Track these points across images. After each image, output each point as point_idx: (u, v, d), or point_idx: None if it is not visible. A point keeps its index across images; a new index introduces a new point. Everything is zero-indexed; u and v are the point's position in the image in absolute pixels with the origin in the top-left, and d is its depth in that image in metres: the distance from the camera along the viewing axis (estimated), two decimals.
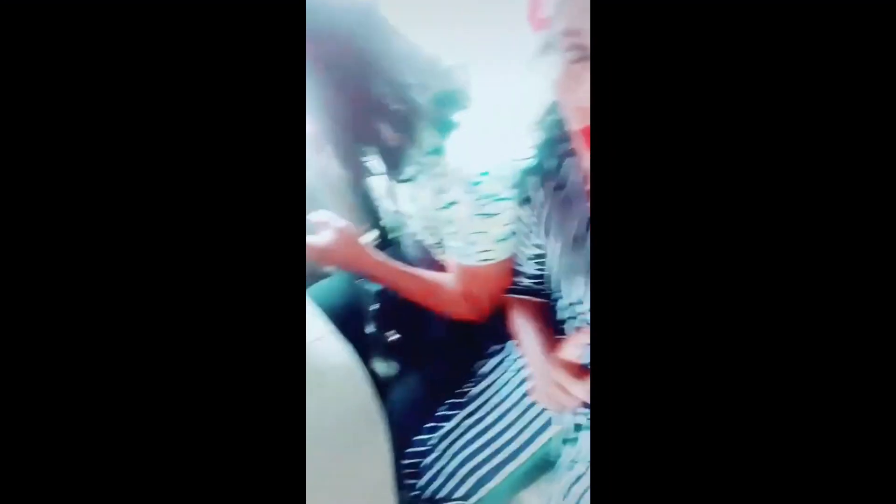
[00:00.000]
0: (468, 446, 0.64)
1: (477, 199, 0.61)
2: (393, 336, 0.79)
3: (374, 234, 0.91)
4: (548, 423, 0.62)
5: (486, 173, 0.61)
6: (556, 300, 0.68)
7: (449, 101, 0.63)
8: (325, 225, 0.70)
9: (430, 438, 0.67)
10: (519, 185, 0.63)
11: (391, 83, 0.58)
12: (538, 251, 0.68)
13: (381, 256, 0.72)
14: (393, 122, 0.60)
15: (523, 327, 0.66)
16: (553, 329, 0.67)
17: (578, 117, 0.47)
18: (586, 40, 0.41)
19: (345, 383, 0.41)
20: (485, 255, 0.65)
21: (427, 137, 0.62)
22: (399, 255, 0.86)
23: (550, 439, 0.62)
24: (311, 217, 0.70)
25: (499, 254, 0.65)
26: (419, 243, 0.76)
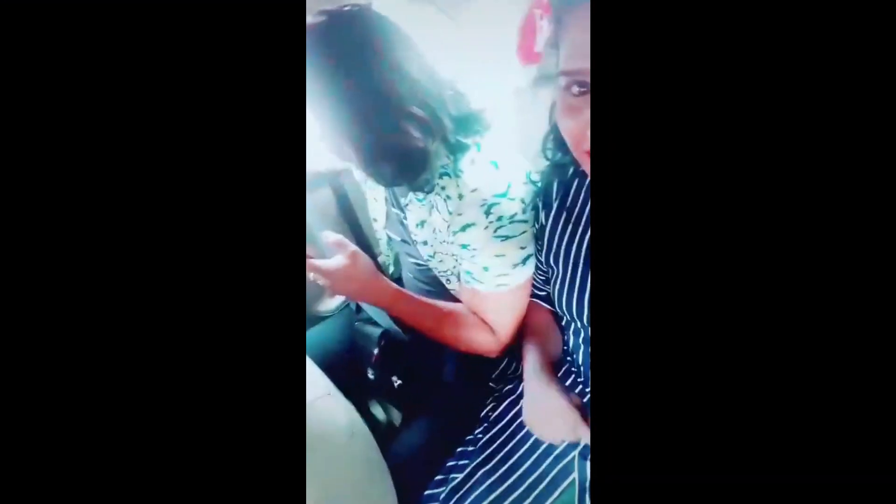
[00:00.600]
0: (482, 500, 0.59)
1: (494, 221, 0.59)
2: (396, 382, 0.74)
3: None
4: (569, 470, 0.58)
5: (503, 195, 0.59)
6: (567, 325, 0.65)
7: (465, 122, 0.62)
8: (338, 247, 0.66)
9: (440, 493, 0.62)
10: (534, 207, 0.62)
11: (412, 85, 0.56)
12: (544, 276, 0.66)
13: (393, 285, 0.69)
14: (414, 126, 0.57)
15: (531, 345, 0.64)
16: (560, 349, 0.64)
17: (577, 145, 0.46)
18: (587, 77, 0.41)
19: (349, 445, 0.37)
20: (502, 280, 0.63)
21: (442, 157, 0.60)
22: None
23: (572, 484, 0.57)
24: (323, 237, 0.67)
25: (516, 279, 0.63)
26: (423, 272, 0.73)
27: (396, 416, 0.81)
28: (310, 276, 0.62)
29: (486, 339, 0.68)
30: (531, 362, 0.64)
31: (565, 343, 0.66)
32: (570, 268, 0.60)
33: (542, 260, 0.65)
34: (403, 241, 0.73)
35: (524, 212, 0.61)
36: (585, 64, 0.40)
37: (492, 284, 0.63)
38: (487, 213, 0.59)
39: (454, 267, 0.67)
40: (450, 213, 0.60)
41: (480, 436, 0.65)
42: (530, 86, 1.07)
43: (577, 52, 0.41)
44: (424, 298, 0.69)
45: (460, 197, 0.59)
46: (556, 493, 0.57)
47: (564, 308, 0.61)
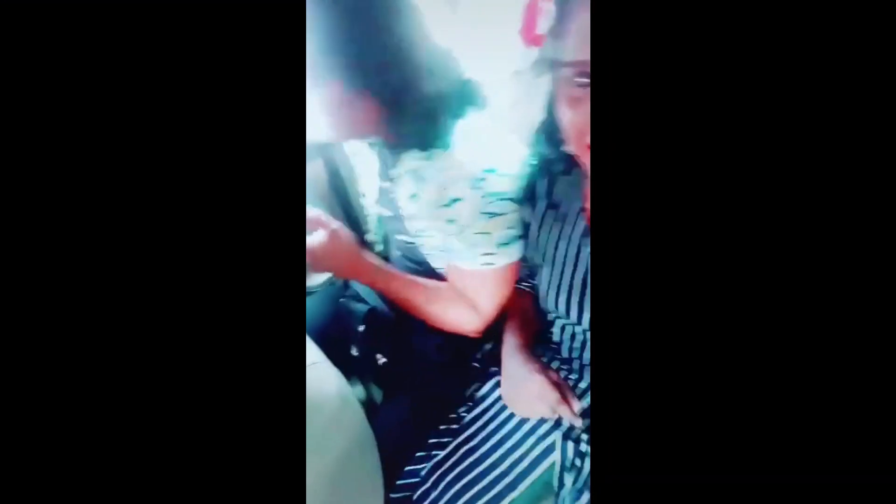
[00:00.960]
0: (463, 476, 0.60)
1: (482, 197, 0.59)
2: (381, 360, 0.74)
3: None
4: (550, 450, 0.59)
5: (492, 170, 0.59)
6: (552, 319, 0.65)
7: (462, 92, 0.61)
8: (317, 223, 0.65)
9: (421, 468, 0.63)
10: (524, 189, 0.62)
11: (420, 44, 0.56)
12: (530, 272, 0.67)
13: (378, 261, 0.68)
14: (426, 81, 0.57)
15: (510, 326, 0.65)
16: (539, 330, 0.65)
17: (578, 137, 0.46)
18: (587, 68, 0.40)
19: (340, 412, 0.37)
20: (487, 259, 0.63)
21: (435, 127, 0.60)
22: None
23: (552, 466, 0.58)
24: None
25: (501, 259, 0.63)
26: (411, 249, 0.73)
27: (378, 395, 0.81)
28: None
29: (469, 317, 0.68)
30: (510, 343, 0.65)
31: (549, 332, 0.67)
32: (558, 266, 0.60)
33: (529, 257, 0.65)
34: (394, 217, 0.73)
35: (513, 191, 0.61)
36: (587, 55, 0.40)
37: (476, 263, 0.63)
38: (475, 187, 0.58)
39: (442, 244, 0.67)
40: (439, 186, 0.60)
41: (464, 414, 0.66)
42: (530, 69, 1.06)
43: (584, 42, 0.41)
44: (409, 276, 0.69)
45: (450, 169, 0.59)
46: (536, 473, 0.58)
47: (554, 305, 0.61)
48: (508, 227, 0.62)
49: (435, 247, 0.68)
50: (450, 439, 0.64)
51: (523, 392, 0.60)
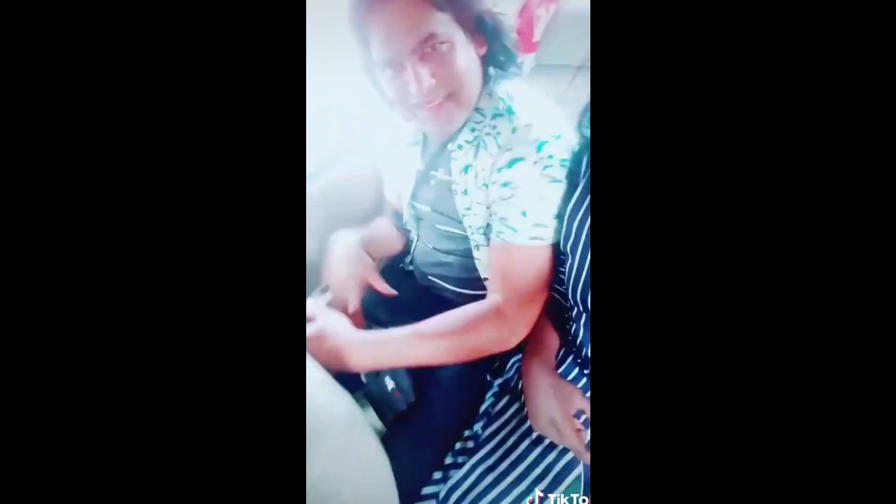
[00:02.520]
0: (483, 497, 0.57)
1: (544, 158, 0.57)
2: (390, 385, 0.71)
3: (327, 297, 0.78)
4: (572, 464, 0.56)
5: (559, 136, 0.58)
6: (577, 316, 0.63)
7: (509, 51, 0.63)
8: (310, 318, 0.58)
9: (438, 490, 0.60)
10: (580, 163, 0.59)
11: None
12: (560, 268, 0.64)
13: (380, 334, 0.59)
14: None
15: (535, 339, 0.62)
16: (558, 342, 0.63)
17: None
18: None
19: (351, 435, 0.36)
20: (538, 233, 0.59)
21: (495, 95, 0.60)
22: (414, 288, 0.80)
23: (577, 480, 0.55)
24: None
25: (550, 233, 0.59)
26: (450, 240, 0.70)
27: (389, 415, 0.78)
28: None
29: (509, 330, 0.60)
30: (534, 356, 0.62)
31: (572, 335, 0.64)
32: (584, 255, 0.58)
33: (560, 248, 0.61)
34: (433, 210, 0.70)
35: (575, 161, 0.59)
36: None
37: (527, 235, 0.59)
38: (539, 149, 0.57)
39: (487, 225, 0.64)
40: (499, 148, 0.58)
41: (480, 431, 0.64)
42: (528, 75, 1.06)
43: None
44: (421, 325, 0.59)
45: (514, 131, 0.58)
46: (561, 487, 0.55)
47: (579, 299, 0.59)
48: (561, 199, 0.59)
49: (480, 227, 0.64)
50: (466, 458, 0.61)
51: (542, 414, 0.58)
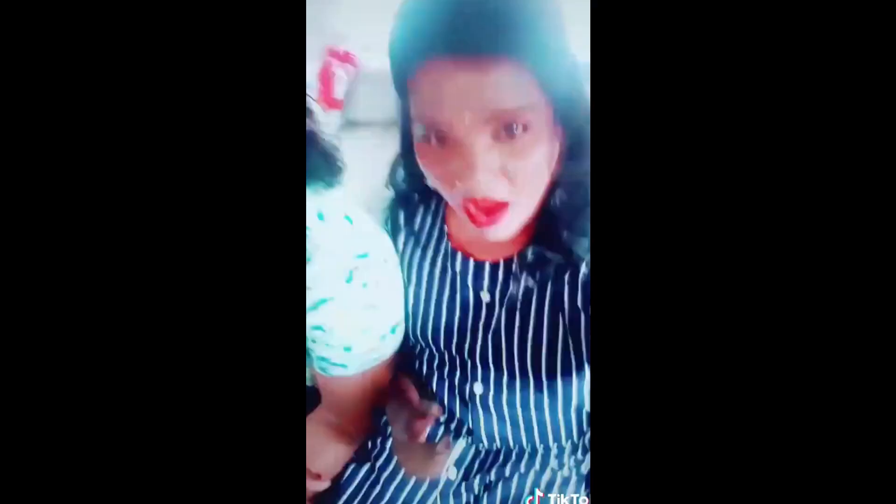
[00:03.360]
0: None
1: (358, 289, 0.46)
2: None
3: None
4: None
5: (364, 255, 0.48)
6: (420, 353, 0.58)
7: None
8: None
9: None
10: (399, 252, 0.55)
11: None
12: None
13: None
14: None
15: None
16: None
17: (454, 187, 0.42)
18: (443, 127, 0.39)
19: None
20: (372, 355, 0.51)
21: None
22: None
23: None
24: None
25: (387, 350, 0.53)
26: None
27: None
28: None
29: (343, 450, 0.55)
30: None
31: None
32: (423, 289, 0.54)
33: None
34: None
35: (392, 267, 0.50)
36: (440, 116, 0.38)
37: (358, 365, 0.49)
38: (349, 280, 0.45)
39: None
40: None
41: None
42: (337, 132, 1.03)
43: (426, 103, 0.39)
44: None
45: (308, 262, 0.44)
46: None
47: (419, 336, 0.54)
48: (391, 314, 0.51)
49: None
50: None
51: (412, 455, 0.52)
